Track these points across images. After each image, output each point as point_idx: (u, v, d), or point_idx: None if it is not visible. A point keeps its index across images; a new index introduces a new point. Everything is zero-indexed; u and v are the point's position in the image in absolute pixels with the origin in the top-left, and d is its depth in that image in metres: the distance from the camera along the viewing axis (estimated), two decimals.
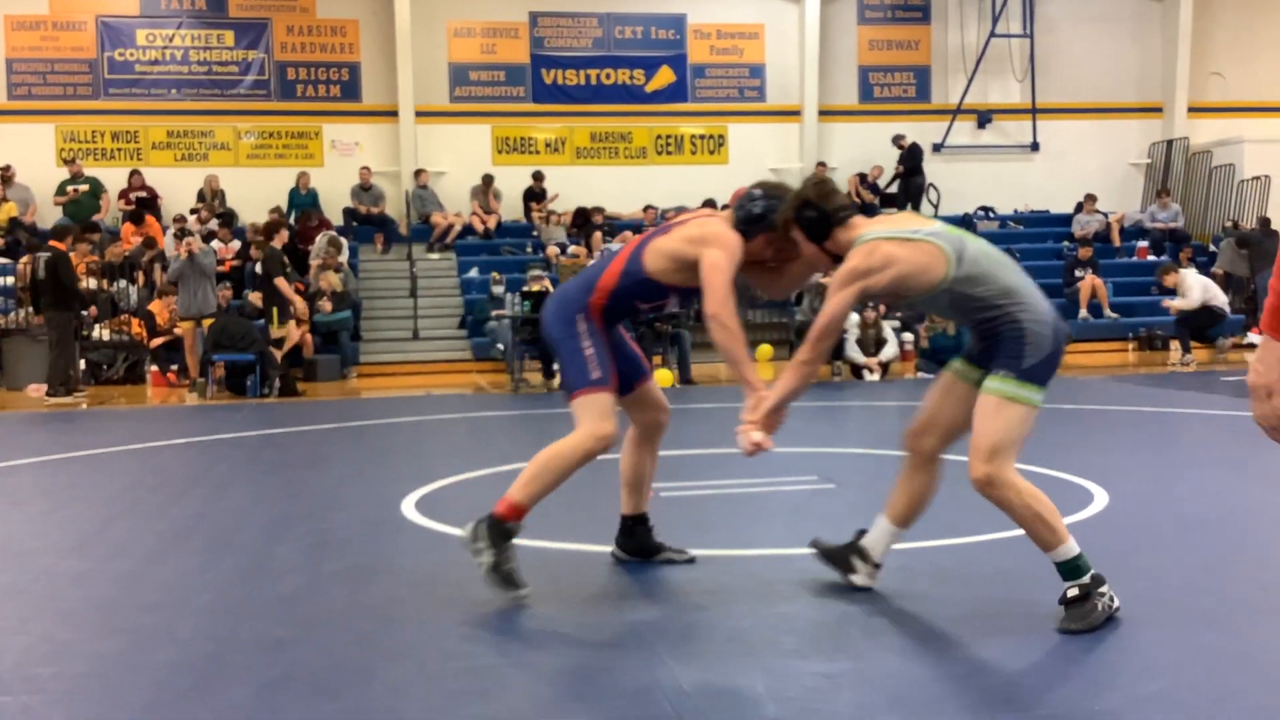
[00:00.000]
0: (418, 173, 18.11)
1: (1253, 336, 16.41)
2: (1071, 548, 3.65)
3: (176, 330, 14.07)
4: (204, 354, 12.94)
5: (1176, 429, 8.38)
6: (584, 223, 17.72)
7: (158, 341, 13.96)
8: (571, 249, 16.97)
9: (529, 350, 13.19)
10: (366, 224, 17.79)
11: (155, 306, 14.14)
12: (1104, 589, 3.62)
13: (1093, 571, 3.64)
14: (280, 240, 13.66)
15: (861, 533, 4.18)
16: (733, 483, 6.30)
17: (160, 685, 3.25)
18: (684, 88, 19.32)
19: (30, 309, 13.68)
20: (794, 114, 19.44)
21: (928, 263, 3.63)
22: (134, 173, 17.53)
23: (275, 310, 13.44)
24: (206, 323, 13.12)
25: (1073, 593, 3.61)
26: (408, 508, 5.75)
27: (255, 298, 14.56)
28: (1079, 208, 18.76)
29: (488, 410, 10.82)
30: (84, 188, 17.23)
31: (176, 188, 17.65)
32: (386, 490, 6.27)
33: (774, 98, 19.50)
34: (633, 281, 4.12)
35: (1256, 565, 4.34)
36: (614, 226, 17.35)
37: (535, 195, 18.35)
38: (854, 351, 12.78)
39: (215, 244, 15.22)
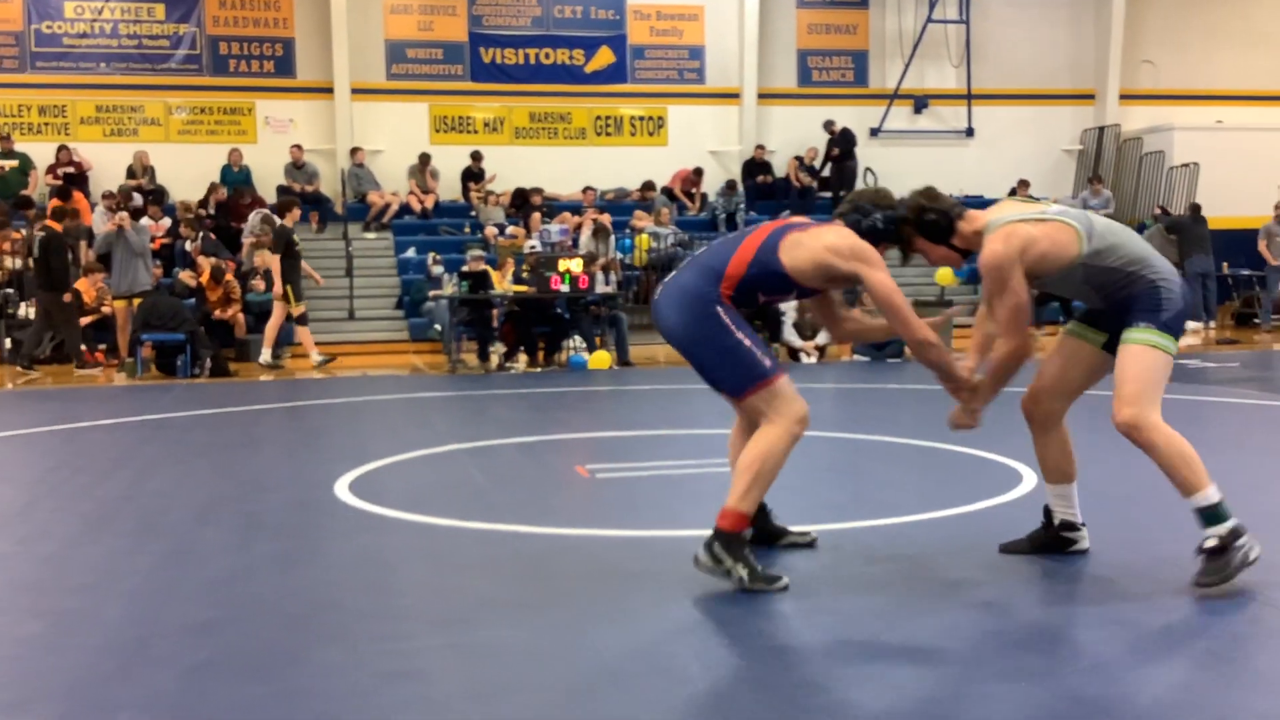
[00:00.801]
0: (354, 151, 17.89)
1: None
2: (1213, 494, 3.74)
3: (105, 308, 13.80)
4: (134, 333, 12.70)
5: (1105, 409, 8.51)
6: (523, 203, 17.60)
7: (86, 320, 13.68)
8: (510, 230, 16.86)
9: (466, 331, 13.10)
10: (302, 202, 17.52)
11: (82, 284, 13.84)
12: (1242, 541, 3.70)
13: (1233, 523, 3.72)
14: (292, 219, 13.42)
15: (1047, 521, 4.25)
16: (668, 464, 6.31)
17: (84, 669, 3.19)
18: (624, 69, 19.26)
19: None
20: (733, 96, 19.46)
21: (1064, 240, 3.80)
22: (62, 148, 17.11)
23: (289, 289, 13.04)
24: (138, 302, 12.88)
25: (1210, 543, 3.69)
26: (341, 489, 5.69)
27: (186, 276, 14.32)
28: (1012, 193, 18.98)
29: (424, 391, 10.74)
30: (12, 163, 16.80)
31: (106, 163, 17.27)
32: (319, 472, 6.20)
33: (713, 80, 19.50)
34: (765, 274, 3.95)
35: (1171, 540, 4.43)
36: (553, 207, 17.27)
37: (473, 175, 18.20)
38: (791, 335, 12.85)
39: (145, 221, 14.93)
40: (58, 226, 12.96)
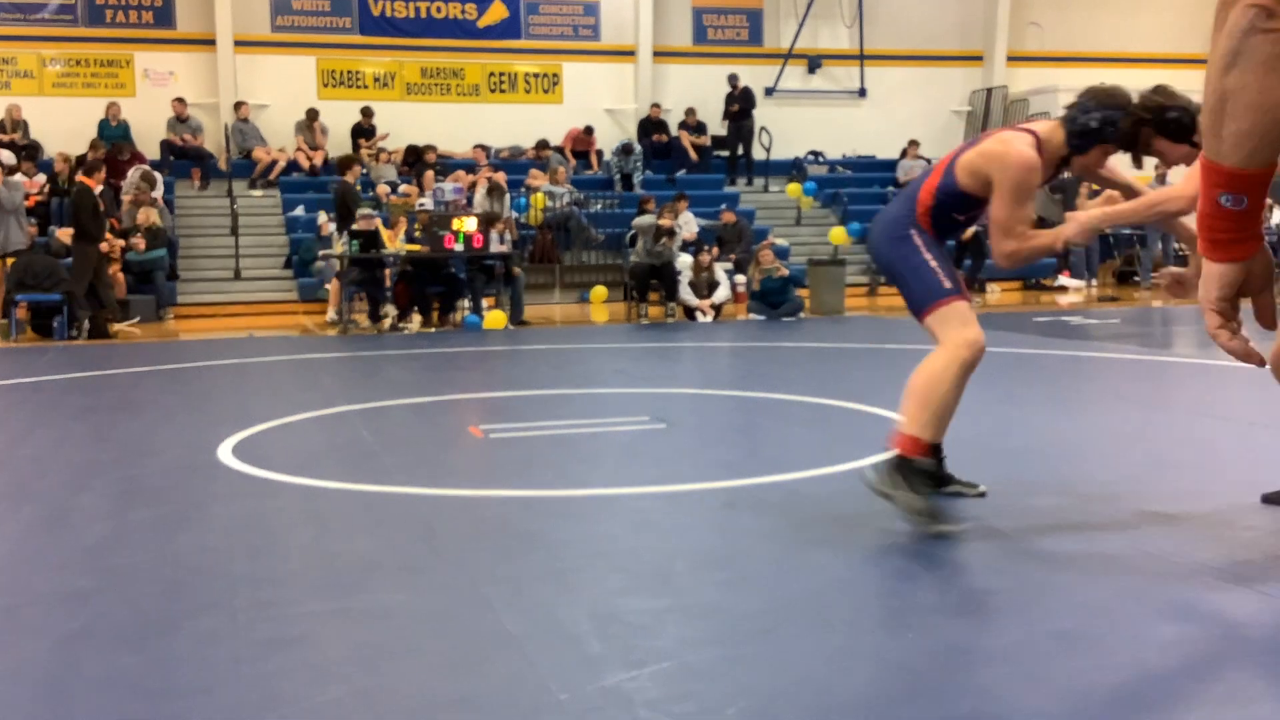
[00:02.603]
0: (238, 105, 17.36)
1: (1063, 279, 17.17)
2: None
3: None
4: (7, 294, 12.19)
5: (990, 366, 8.65)
6: (415, 161, 17.30)
7: None
8: (402, 188, 16.54)
9: (357, 290, 12.84)
10: (183, 158, 16.98)
11: None
12: None
13: None
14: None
15: None
16: (563, 424, 6.25)
17: None
18: (517, 24, 18.98)
19: None
20: (629, 54, 19.33)
21: None
22: None
23: None
24: (11, 261, 12.36)
25: None
26: (224, 453, 5.52)
27: (64, 234, 13.78)
28: (903, 153, 19.23)
29: (313, 352, 10.50)
30: None
31: None
32: (202, 435, 6.01)
33: (609, 37, 19.33)
34: (946, 195, 3.98)
35: (1054, 497, 4.52)
36: (446, 165, 16.99)
37: (364, 132, 17.81)
38: (687, 294, 12.85)
39: (19, 178, 14.31)
40: (91, 182, 12.49)
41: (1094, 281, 17.45)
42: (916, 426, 3.85)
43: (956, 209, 4.02)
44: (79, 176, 12.99)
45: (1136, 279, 17.71)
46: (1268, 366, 3.38)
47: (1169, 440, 5.71)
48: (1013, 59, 20.63)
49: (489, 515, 4.36)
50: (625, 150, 17.99)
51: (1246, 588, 3.30)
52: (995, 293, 16.46)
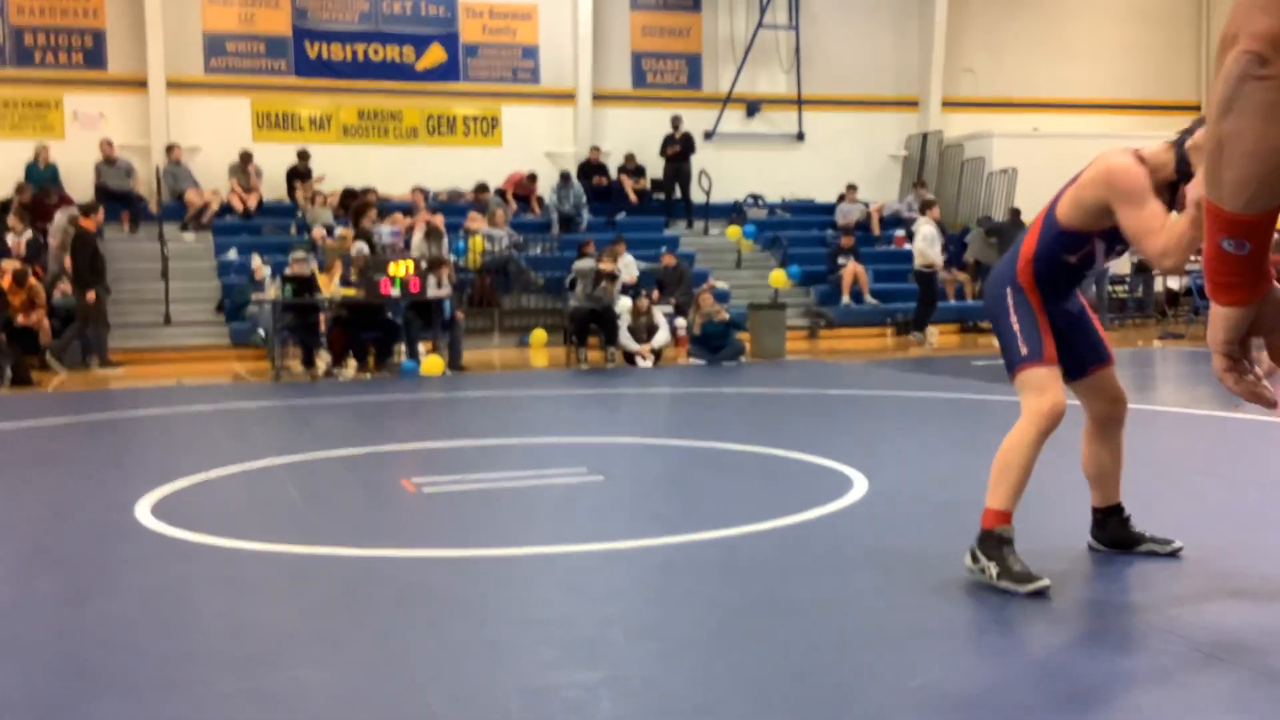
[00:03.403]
0: (170, 148, 17.05)
1: None
2: None
3: None
4: None
5: (931, 413, 8.65)
6: (352, 203, 17.06)
7: None
8: (339, 230, 16.31)
9: (291, 336, 12.59)
10: (114, 201, 16.62)
11: None
12: None
13: None
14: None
15: None
16: (499, 476, 6.09)
17: None
18: (456, 66, 18.88)
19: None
20: (568, 97, 19.29)
21: None
22: None
23: None
24: None
25: None
26: (143, 512, 5.28)
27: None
28: (841, 197, 19.34)
29: (244, 401, 10.23)
30: None
31: None
32: (121, 493, 5.76)
33: (548, 80, 19.29)
34: (1050, 238, 3.85)
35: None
36: (383, 208, 16.79)
37: (300, 174, 17.56)
38: (627, 339, 12.74)
39: None
40: (89, 225, 13.08)
41: None
42: (998, 499, 3.82)
43: (1065, 250, 3.87)
44: (79, 221, 13.17)
45: None
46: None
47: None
48: (948, 104, 20.88)
49: (417, 579, 4.18)
50: (564, 180, 17.88)
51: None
52: (934, 339, 16.55)
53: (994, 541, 3.78)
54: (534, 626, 3.58)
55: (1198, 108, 22.37)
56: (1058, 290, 3.94)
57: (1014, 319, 3.87)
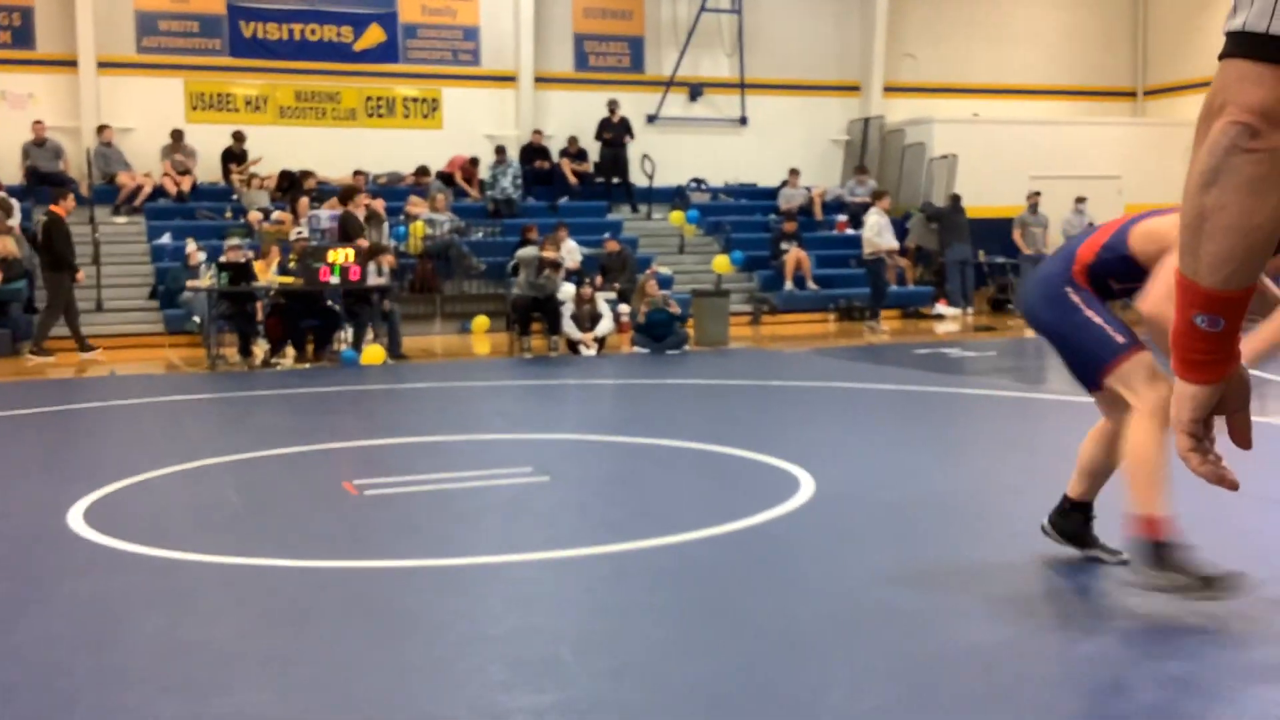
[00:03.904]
0: (100, 129, 16.64)
1: (940, 308, 17.43)
2: None
3: None
4: None
5: (875, 406, 8.67)
6: (290, 186, 16.78)
7: None
8: (276, 214, 16.04)
9: (227, 324, 12.35)
10: (44, 184, 16.18)
11: None
12: None
13: None
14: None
15: None
16: (443, 477, 5.99)
17: None
18: (395, 48, 18.60)
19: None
20: (510, 80, 19.10)
21: None
22: None
23: None
24: None
25: None
26: (74, 518, 5.13)
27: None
28: (784, 182, 19.35)
29: (180, 393, 10.02)
30: None
31: None
32: (52, 496, 5.59)
33: (489, 62, 19.07)
34: (1113, 257, 3.78)
35: (954, 556, 4.43)
36: (322, 191, 16.54)
37: (235, 156, 17.22)
38: (570, 327, 12.65)
39: None
40: (61, 211, 13.02)
41: (969, 309, 17.76)
42: (1146, 505, 3.61)
43: (1117, 274, 3.82)
44: (51, 206, 13.12)
45: (1010, 306, 18.08)
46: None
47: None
48: (889, 90, 20.95)
49: (364, 591, 4.10)
50: (499, 154, 17.70)
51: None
52: (954, 319, 16.71)
53: (1167, 551, 3.56)
54: (483, 643, 3.52)
55: (1134, 94, 22.68)
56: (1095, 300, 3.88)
57: (1090, 313, 3.79)
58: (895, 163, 20.43)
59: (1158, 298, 3.56)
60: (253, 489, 5.89)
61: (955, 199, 18.15)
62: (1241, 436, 1.42)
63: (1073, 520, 4.17)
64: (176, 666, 3.36)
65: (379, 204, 15.48)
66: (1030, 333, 14.90)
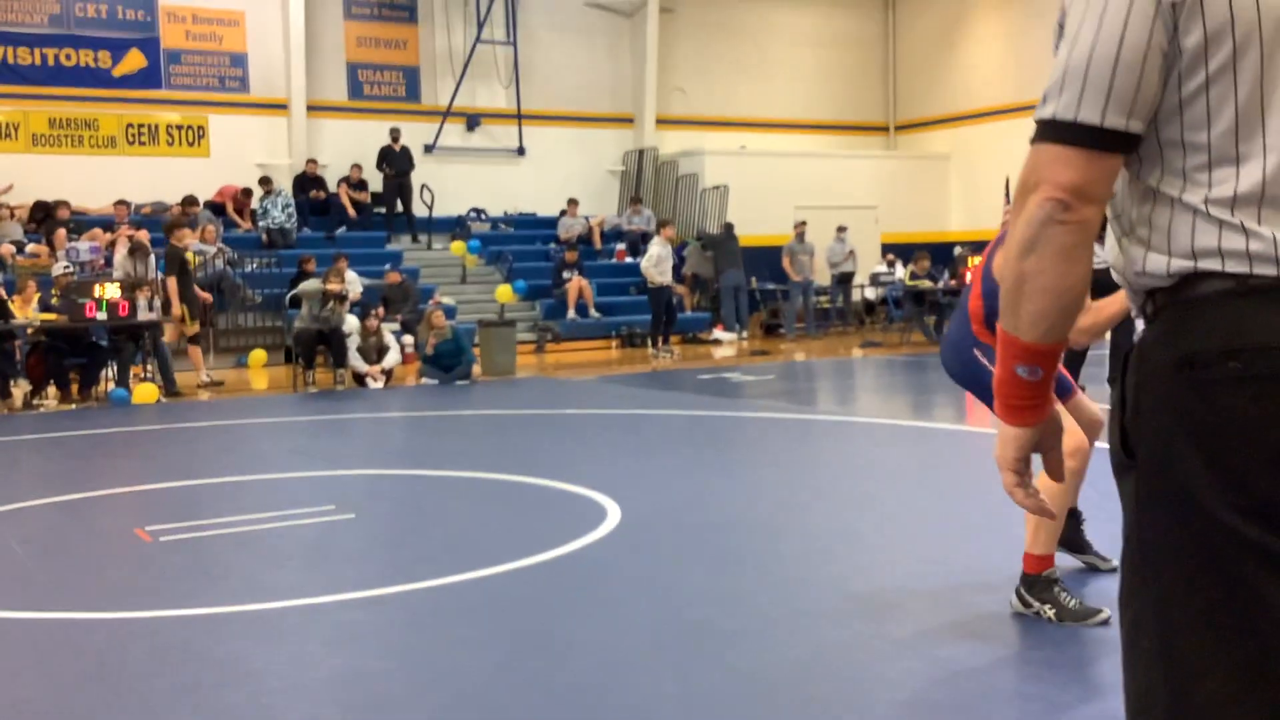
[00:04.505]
0: None
1: (717, 333, 18.02)
2: None
3: None
4: None
5: (666, 431, 8.94)
6: (45, 217, 15.90)
7: None
8: (30, 247, 15.16)
9: None
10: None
11: None
12: None
13: None
14: (180, 238, 13.23)
15: None
16: (241, 519, 5.86)
17: None
18: (158, 73, 17.89)
19: None
20: (281, 107, 18.66)
21: None
22: None
23: (185, 309, 12.82)
24: None
25: None
26: None
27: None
28: (563, 211, 19.61)
29: None
30: None
31: None
32: None
33: (259, 90, 18.58)
34: (990, 290, 3.91)
35: (763, 573, 4.67)
36: (81, 223, 15.74)
37: None
38: (356, 360, 12.47)
39: None
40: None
41: (744, 334, 18.43)
42: (1038, 545, 3.93)
43: None
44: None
45: (781, 330, 18.86)
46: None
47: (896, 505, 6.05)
48: (661, 122, 21.54)
49: (173, 641, 3.99)
50: (264, 184, 17.30)
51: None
52: (730, 343, 17.12)
53: (1044, 584, 3.91)
54: (310, 689, 3.51)
55: (886, 129, 24.06)
56: None
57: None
58: (670, 193, 21.00)
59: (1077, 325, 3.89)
60: (37, 539, 5.61)
61: (729, 227, 18.80)
62: (1055, 471, 1.64)
63: (1067, 527, 4.48)
64: None
65: (143, 235, 14.82)
66: (800, 355, 15.62)
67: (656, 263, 15.97)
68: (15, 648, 3.97)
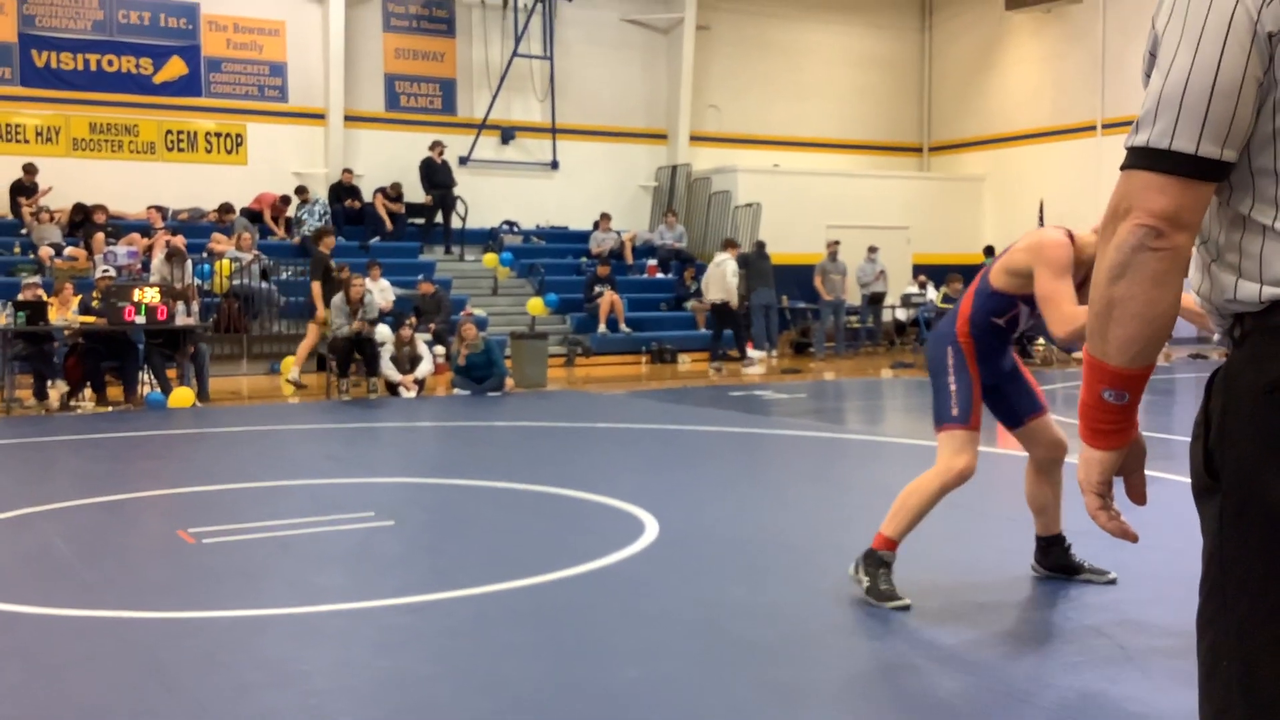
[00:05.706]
0: None
1: (751, 352, 18.02)
2: None
3: None
4: None
5: (700, 447, 8.95)
6: (83, 221, 16.09)
7: None
8: (69, 250, 15.36)
9: (22, 366, 11.73)
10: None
11: None
12: None
13: None
14: (327, 246, 14.40)
15: None
16: (282, 523, 5.91)
17: None
18: (197, 81, 18.10)
19: None
20: (318, 117, 18.84)
21: None
22: None
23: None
24: None
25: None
26: None
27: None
28: (596, 225, 19.69)
29: None
30: None
31: None
32: None
33: (297, 99, 18.77)
34: (982, 299, 4.23)
35: (801, 588, 4.68)
36: (119, 227, 15.91)
37: (25, 189, 16.39)
38: (389, 369, 12.55)
39: None
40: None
41: (774, 352, 18.42)
42: (892, 529, 4.25)
43: (994, 313, 4.25)
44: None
45: (811, 350, 18.84)
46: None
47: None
48: (695, 139, 21.61)
49: (222, 642, 4.03)
50: (300, 193, 17.46)
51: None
52: (760, 361, 17.14)
53: (876, 560, 4.25)
54: (357, 691, 3.54)
55: (920, 150, 24.06)
56: (991, 349, 4.32)
57: (952, 379, 4.26)
58: (702, 210, 21.05)
59: (1061, 318, 3.90)
60: (80, 538, 5.68)
61: (760, 245, 18.80)
62: (1138, 494, 1.65)
63: (1054, 554, 4.61)
64: None
65: (179, 240, 14.97)
66: (830, 375, 15.60)
67: (724, 279, 16.17)
68: (69, 644, 4.02)
